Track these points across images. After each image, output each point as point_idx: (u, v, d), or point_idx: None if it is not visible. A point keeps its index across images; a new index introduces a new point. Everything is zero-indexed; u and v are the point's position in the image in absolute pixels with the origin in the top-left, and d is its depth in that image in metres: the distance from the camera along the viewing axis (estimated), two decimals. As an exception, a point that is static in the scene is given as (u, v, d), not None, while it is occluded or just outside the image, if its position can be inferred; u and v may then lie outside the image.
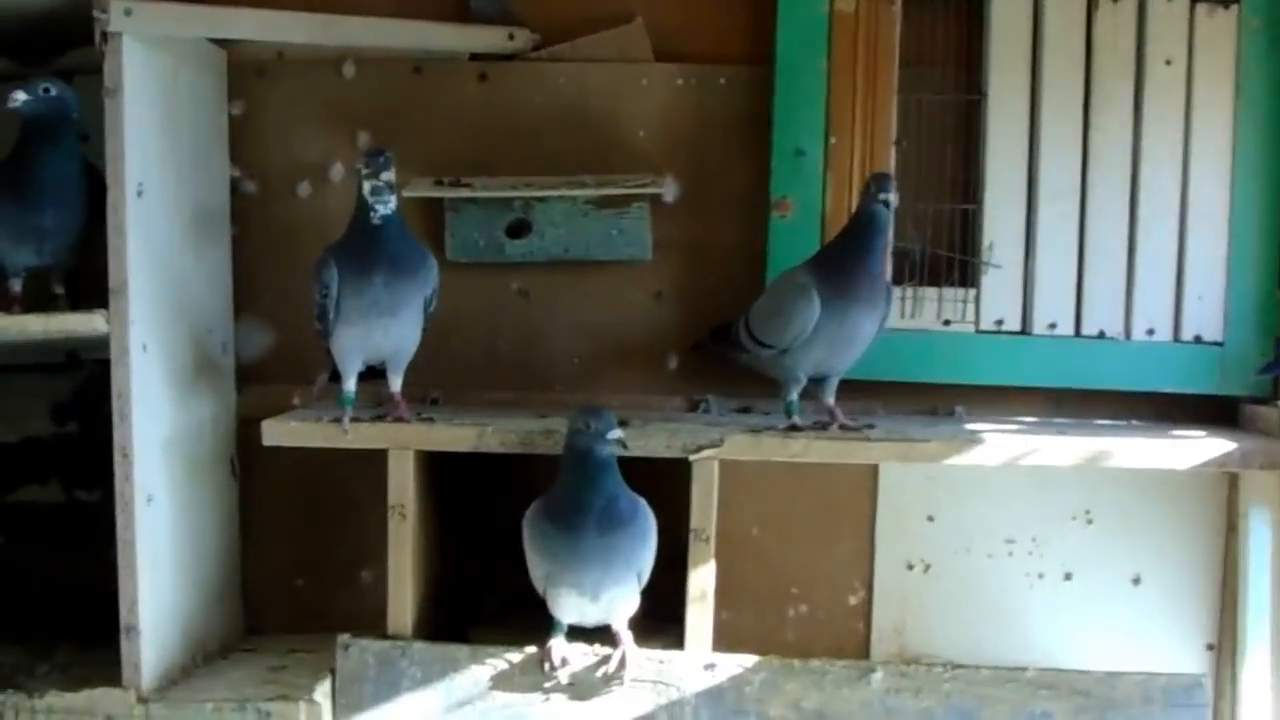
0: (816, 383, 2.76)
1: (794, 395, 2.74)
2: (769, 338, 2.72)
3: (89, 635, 2.92)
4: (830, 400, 2.76)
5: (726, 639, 2.78)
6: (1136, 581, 3.06)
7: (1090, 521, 3.05)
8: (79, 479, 3.18)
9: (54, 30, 2.80)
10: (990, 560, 3.07)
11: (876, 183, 2.65)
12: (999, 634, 3.06)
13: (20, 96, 2.65)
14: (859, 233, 2.67)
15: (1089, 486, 3.03)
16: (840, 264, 2.67)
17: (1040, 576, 3.06)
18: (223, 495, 3.06)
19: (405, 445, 2.70)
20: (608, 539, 2.55)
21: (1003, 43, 2.97)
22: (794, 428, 2.71)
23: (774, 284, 2.80)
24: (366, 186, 2.58)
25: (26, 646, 3.00)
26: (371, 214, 2.59)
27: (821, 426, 2.75)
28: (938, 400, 3.06)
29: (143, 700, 2.66)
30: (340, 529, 3.12)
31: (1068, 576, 3.06)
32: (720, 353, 2.90)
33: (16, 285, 2.78)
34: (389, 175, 2.57)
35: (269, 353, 3.12)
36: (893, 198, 2.62)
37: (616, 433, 2.50)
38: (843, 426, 2.74)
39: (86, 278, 2.80)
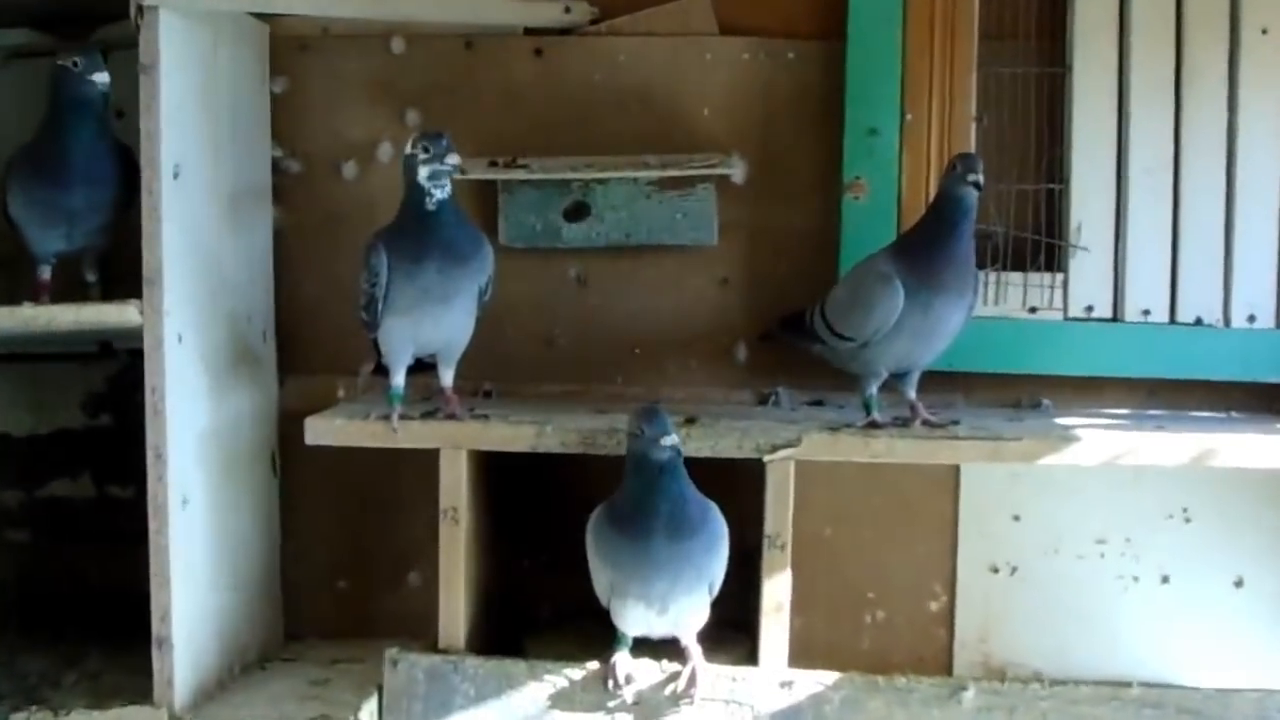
0: (897, 376, 2.60)
1: (873, 389, 2.57)
2: (848, 330, 2.55)
3: (121, 639, 2.79)
4: (912, 394, 2.60)
5: (799, 648, 2.62)
6: (1239, 584, 2.89)
7: (1188, 520, 2.88)
8: (112, 474, 3.03)
9: (88, 3, 2.65)
10: (1080, 562, 2.90)
11: (963, 163, 2.48)
12: (1090, 641, 2.89)
13: (104, 77, 2.52)
14: (944, 217, 2.50)
15: (1186, 483, 2.86)
16: (925, 251, 2.50)
17: (1135, 579, 2.90)
18: (262, 493, 2.90)
19: (458, 445, 2.54)
20: (676, 547, 2.38)
21: (1088, 12, 2.81)
22: (874, 424, 2.55)
23: (853, 272, 2.63)
24: (424, 170, 2.42)
25: (55, 652, 2.86)
26: (427, 199, 2.43)
27: (902, 423, 2.58)
28: (1023, 392, 2.91)
29: (175, 719, 2.51)
30: (386, 528, 2.98)
31: (1165, 579, 2.90)
32: (791, 343, 2.74)
33: (46, 273, 2.64)
34: (453, 158, 2.41)
35: (312, 341, 2.98)
36: (981, 179, 2.45)
37: (672, 438, 2.33)
38: (925, 423, 2.58)
39: (121, 264, 2.62)
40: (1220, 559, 2.89)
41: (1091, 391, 2.89)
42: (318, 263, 2.95)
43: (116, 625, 2.83)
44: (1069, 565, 2.90)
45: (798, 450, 2.49)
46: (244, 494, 2.82)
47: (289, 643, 2.99)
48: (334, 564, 3.04)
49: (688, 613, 2.45)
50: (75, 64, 2.52)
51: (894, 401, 2.64)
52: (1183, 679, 2.78)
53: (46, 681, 2.72)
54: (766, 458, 2.49)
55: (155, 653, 2.51)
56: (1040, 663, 2.87)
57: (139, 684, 2.56)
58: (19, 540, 3.12)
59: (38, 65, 2.81)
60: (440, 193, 2.43)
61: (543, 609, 2.93)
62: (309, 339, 2.99)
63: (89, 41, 2.81)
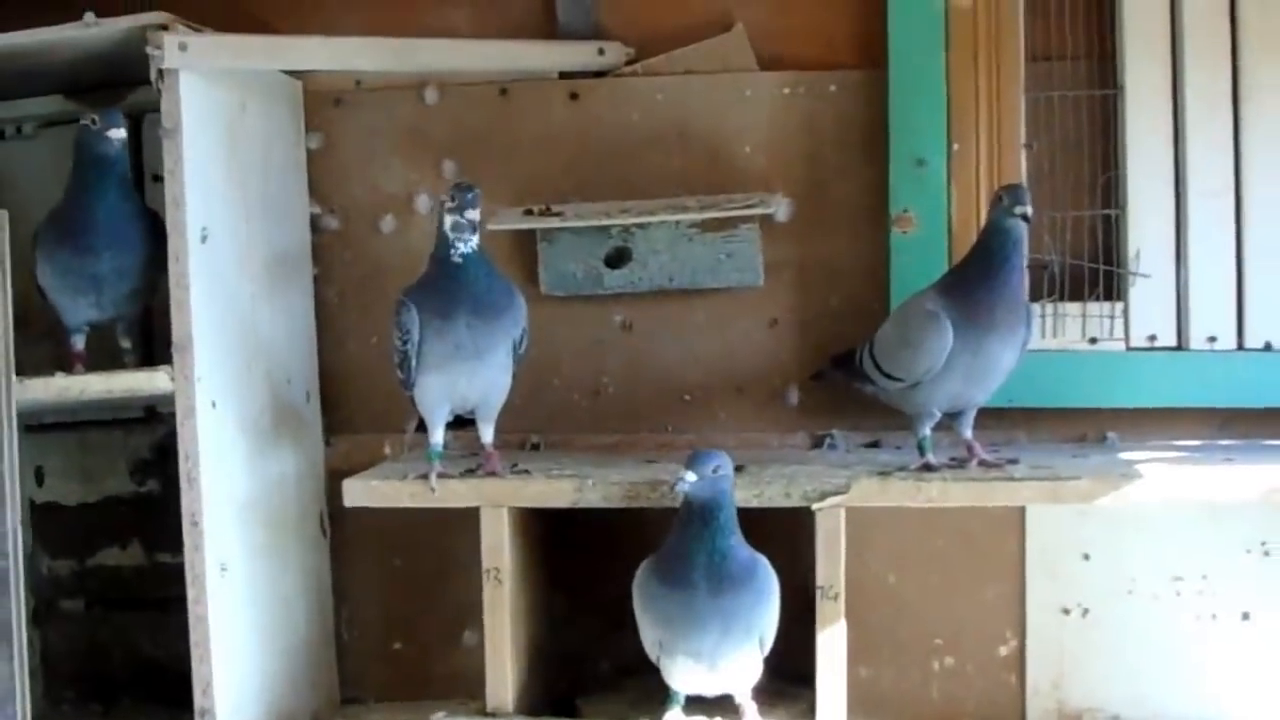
0: (952, 415, 2.51)
1: (926, 430, 2.49)
2: (897, 370, 2.48)
3: (172, 703, 2.75)
4: (968, 433, 2.51)
5: (866, 700, 2.58)
6: (1322, 619, 2.77)
7: (1267, 554, 2.75)
8: (160, 541, 3.01)
9: (116, 68, 2.64)
10: (1156, 601, 2.79)
11: (1010, 195, 2.40)
12: (1169, 684, 2.78)
13: (120, 134, 2.52)
14: (992, 251, 2.42)
15: (1265, 515, 2.73)
16: (973, 287, 2.43)
17: (1213, 617, 2.77)
18: (311, 555, 2.89)
19: (498, 503, 2.50)
20: (723, 600, 2.31)
21: (1138, 30, 2.73)
22: (927, 467, 2.46)
23: (899, 310, 2.56)
24: (448, 221, 2.40)
25: (108, 717, 2.92)
26: (452, 252, 2.40)
27: (959, 463, 2.50)
28: (1087, 426, 2.81)
29: (223, 785, 2.49)
30: (440, 587, 2.94)
31: (1245, 616, 2.77)
32: (844, 382, 2.67)
33: (80, 342, 2.64)
34: (473, 213, 2.39)
35: (357, 400, 2.97)
36: (1029, 210, 2.37)
37: (688, 475, 2.26)
38: (982, 463, 2.49)
39: (164, 331, 2.59)
40: (1304, 594, 2.77)
41: (1160, 423, 2.79)
42: (360, 319, 2.94)
43: (167, 689, 2.81)
44: (1144, 605, 2.79)
45: (847, 497, 2.41)
46: (290, 557, 2.81)
47: (345, 706, 2.98)
48: (389, 625, 3.02)
49: (738, 669, 2.38)
50: (94, 122, 2.53)
51: (953, 441, 2.55)
52: (1267, 720, 2.66)
53: (101, 748, 2.75)
54: (815, 506, 2.41)
55: (198, 723, 2.50)
56: (1117, 707, 2.77)
57: (193, 753, 2.56)
58: (72, 609, 3.11)
59: (71, 133, 2.82)
60: (465, 245, 2.40)
61: (600, 667, 2.87)
62: (354, 397, 2.98)
63: (119, 105, 2.80)
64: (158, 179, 2.63)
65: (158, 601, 2.94)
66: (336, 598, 2.98)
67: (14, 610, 2.45)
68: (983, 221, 2.58)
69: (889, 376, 2.50)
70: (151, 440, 3.05)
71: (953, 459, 2.53)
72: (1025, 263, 2.50)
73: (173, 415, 2.85)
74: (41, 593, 3.10)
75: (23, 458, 2.85)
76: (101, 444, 3.09)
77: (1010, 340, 2.43)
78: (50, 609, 3.11)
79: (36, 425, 2.96)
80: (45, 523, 3.09)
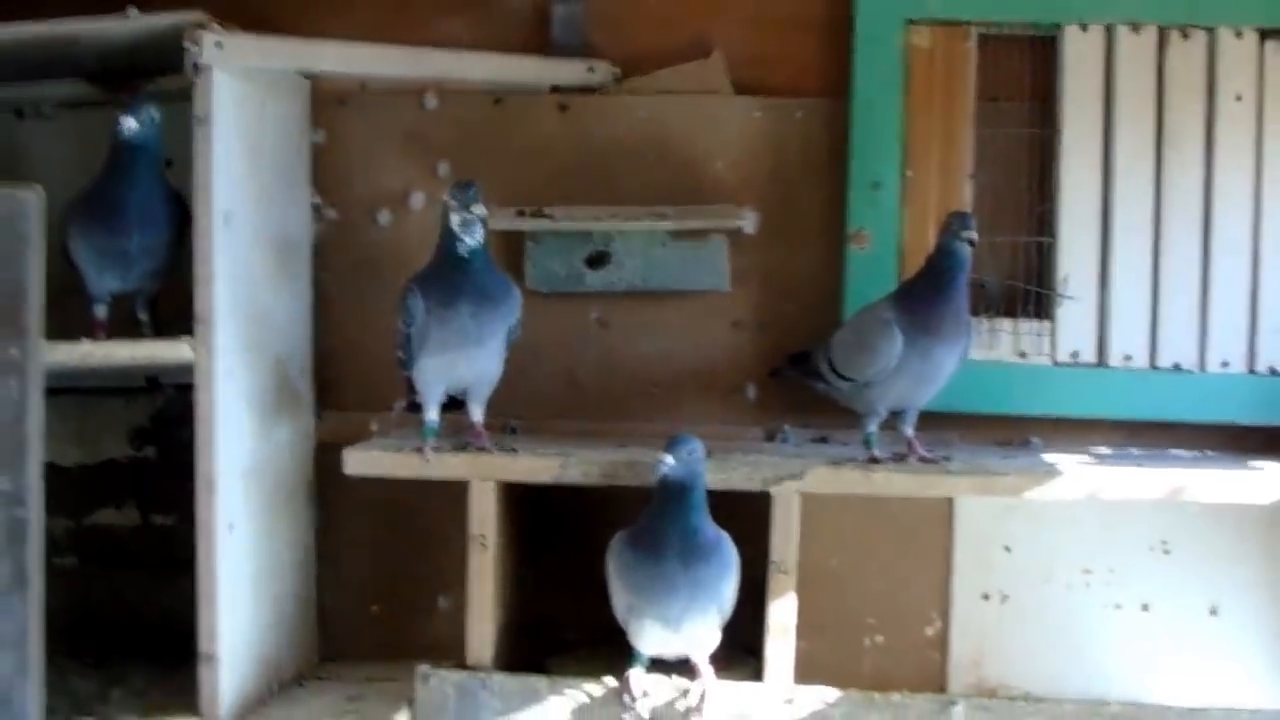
0: (896, 414, 2.77)
1: (873, 427, 2.75)
2: (850, 371, 2.74)
3: (163, 661, 2.95)
4: (910, 432, 2.77)
5: (803, 669, 2.78)
6: (1214, 612, 3.02)
7: (1167, 552, 3.02)
8: (156, 503, 3.18)
9: (140, 59, 2.83)
10: (1068, 591, 3.04)
11: (959, 220, 2.67)
12: (1077, 665, 3.03)
13: (132, 124, 2.69)
14: (941, 269, 2.69)
15: (1166, 517, 2.99)
16: (923, 300, 2.69)
17: (1118, 607, 3.03)
18: (300, 521, 3.07)
19: (487, 476, 2.71)
20: (691, 571, 2.55)
21: (1076, 78, 2.99)
22: (874, 460, 2.72)
23: (856, 318, 2.81)
24: (455, 219, 2.60)
25: (102, 672, 3.03)
26: (459, 245, 2.61)
27: (900, 458, 2.75)
28: (1014, 431, 3.07)
29: (219, 732, 2.68)
30: (417, 555, 3.13)
31: (1145, 607, 3.03)
32: (799, 380, 2.91)
33: (102, 312, 2.81)
34: (479, 209, 2.60)
35: (346, 379, 3.15)
36: (974, 235, 2.64)
37: (667, 459, 2.49)
38: (921, 459, 2.75)
39: (170, 304, 2.82)
40: (1197, 588, 3.02)
41: (1078, 432, 3.05)
42: (353, 305, 3.12)
43: (159, 646, 2.99)
44: (1057, 593, 3.04)
45: (802, 483, 2.66)
46: (284, 522, 3.00)
47: (324, 663, 3.15)
48: (367, 589, 3.19)
49: (700, 633, 2.62)
50: (122, 114, 2.71)
51: (894, 439, 2.79)
52: (1162, 702, 2.89)
53: (94, 698, 2.89)
54: (773, 489, 2.66)
55: (202, 668, 2.70)
56: (1030, 685, 3.00)
57: (182, 701, 2.73)
58: (67, 566, 3.25)
59: (90, 115, 3.03)
60: (471, 240, 2.61)
61: (566, 633, 3.05)
62: (344, 377, 3.16)
63: (141, 94, 2.94)
64: (170, 163, 2.81)
65: (151, 561, 3.11)
66: (320, 561, 3.15)
67: (31, 558, 2.62)
68: (932, 242, 2.81)
69: (843, 377, 2.75)
70: (151, 409, 3.21)
71: (895, 454, 2.77)
72: (968, 280, 2.74)
73: (175, 386, 3.07)
74: (37, 549, 3.24)
75: (29, 419, 3.04)
76: (102, 410, 3.23)
77: (953, 349, 2.69)
78: (46, 565, 3.21)
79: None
80: (44, 482, 3.20)
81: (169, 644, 2.90)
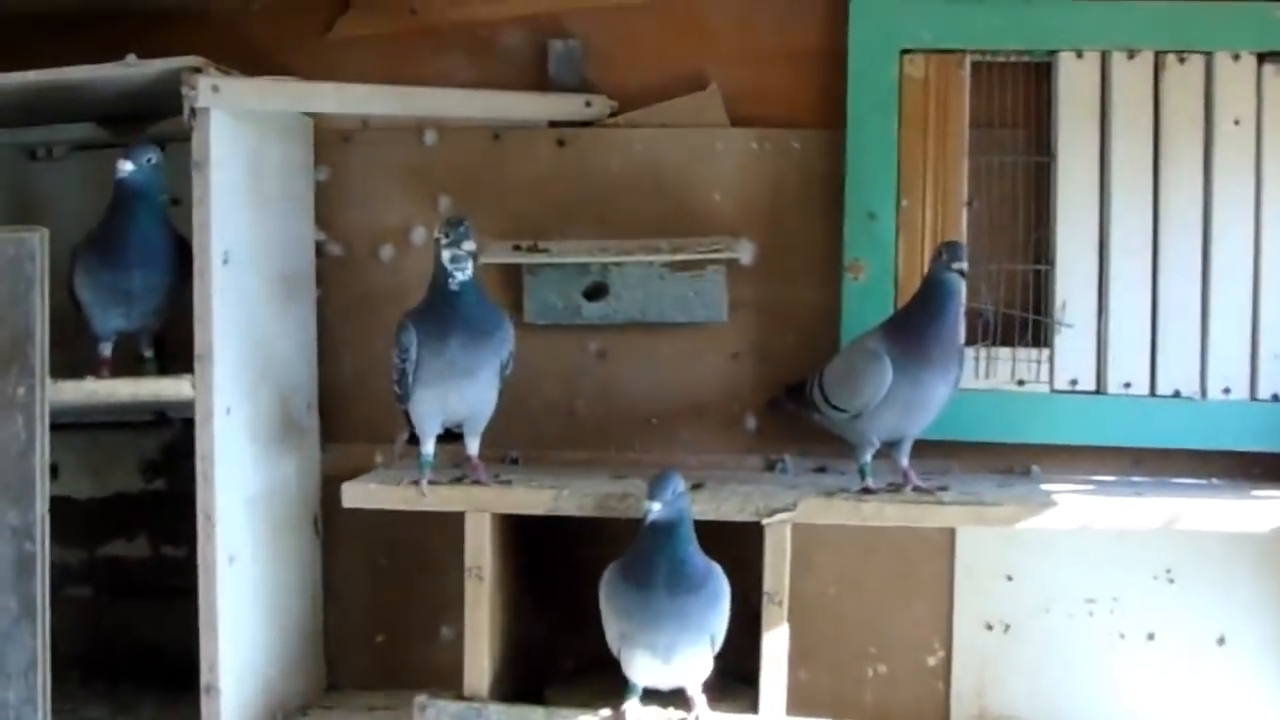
0: (891, 445, 2.77)
1: (867, 458, 2.75)
2: (841, 402, 2.74)
3: (173, 690, 3.00)
4: (905, 462, 2.77)
5: (804, 699, 2.79)
6: (1221, 642, 3.00)
7: (1172, 581, 3.01)
8: (166, 534, 3.24)
9: (146, 102, 2.89)
10: (1070, 620, 3.04)
11: (949, 251, 2.67)
12: (1081, 695, 3.03)
13: (128, 167, 2.76)
14: (931, 300, 2.69)
15: (1170, 545, 2.99)
16: (913, 330, 2.69)
17: (1122, 637, 3.03)
18: (305, 552, 3.12)
19: (482, 508, 2.73)
20: (679, 601, 2.56)
21: (1071, 104, 2.98)
22: (866, 490, 2.72)
23: (847, 349, 2.82)
24: (446, 255, 2.64)
25: (112, 700, 3.12)
26: (449, 280, 2.65)
27: (895, 488, 2.76)
28: (1013, 460, 3.05)
29: (222, 760, 2.72)
30: (420, 586, 3.17)
31: (1150, 637, 3.02)
32: (795, 411, 2.92)
33: (107, 349, 2.87)
34: (469, 244, 2.63)
35: (351, 412, 3.19)
36: (965, 266, 2.65)
37: (653, 505, 2.49)
38: (916, 489, 2.75)
39: (174, 341, 2.87)
40: (1203, 618, 3.01)
41: (1079, 459, 3.03)
42: (357, 339, 3.16)
43: (168, 675, 3.04)
44: (1060, 623, 3.04)
45: (794, 514, 2.66)
46: (289, 553, 3.04)
47: (330, 692, 3.20)
48: (372, 619, 3.23)
49: (691, 664, 2.62)
50: (149, 159, 2.79)
51: (892, 469, 2.78)
52: (1168, 733, 2.91)
53: (104, 727, 2.97)
54: (765, 520, 2.66)
55: (204, 699, 2.73)
56: (1033, 716, 3.01)
57: (196, 729, 2.79)
58: (80, 596, 3.33)
59: (100, 157, 3.08)
60: (461, 274, 2.64)
61: (565, 663, 3.07)
62: (349, 409, 3.20)
63: (143, 136, 3.05)
64: (176, 202, 2.87)
65: (161, 591, 3.17)
66: (326, 591, 3.20)
67: (39, 590, 2.69)
68: (925, 272, 2.86)
69: (835, 408, 2.76)
70: (160, 442, 3.27)
71: (890, 484, 2.77)
72: (961, 310, 2.76)
73: (181, 420, 3.13)
74: (52, 580, 3.27)
75: (42, 454, 3.11)
76: (113, 444, 3.31)
77: (944, 378, 2.69)
78: (57, 596, 3.23)
79: (54, 425, 3.12)
80: (58, 515, 3.20)
81: (178, 673, 2.92)
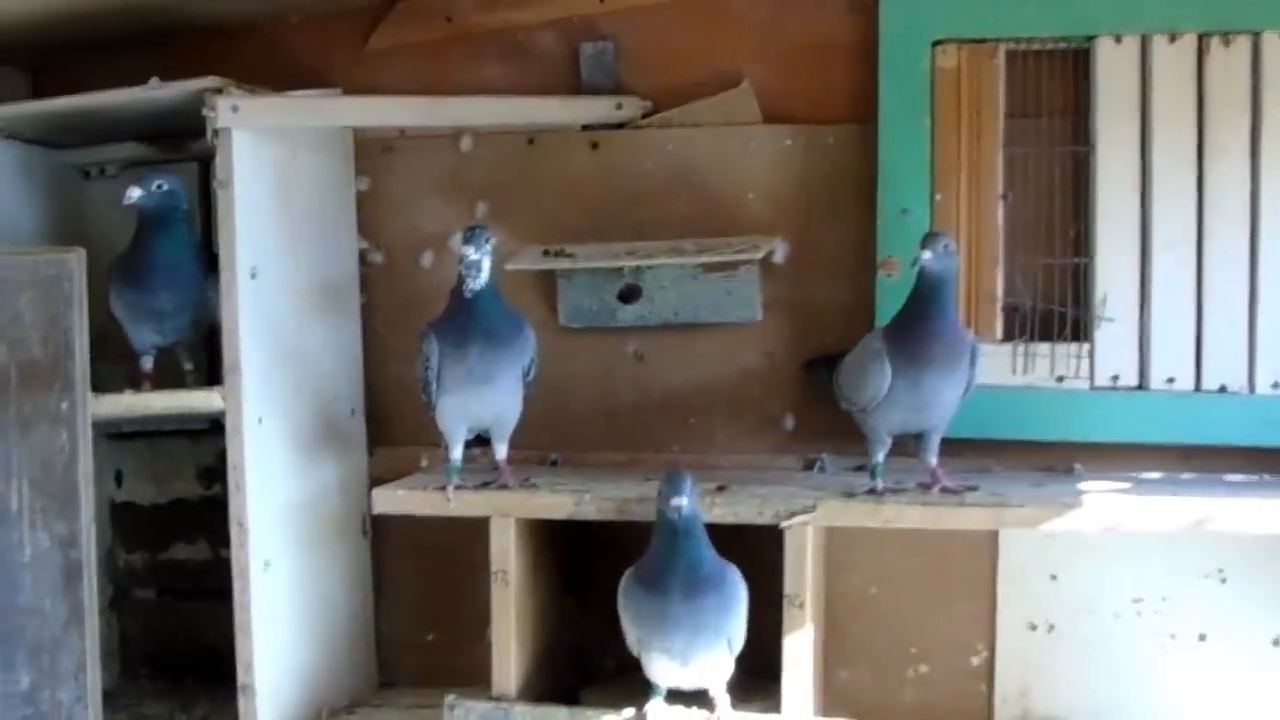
0: (916, 439, 2.73)
1: (879, 457, 2.72)
2: (850, 396, 2.73)
3: (229, 687, 3.03)
4: (932, 460, 2.73)
5: (845, 699, 2.80)
6: (1277, 643, 2.90)
7: (1224, 581, 2.91)
8: (224, 538, 3.28)
9: (183, 120, 2.94)
10: (1117, 620, 2.96)
11: (923, 241, 2.62)
12: (1128, 698, 2.95)
13: (135, 193, 2.86)
14: (920, 296, 2.64)
15: (1222, 544, 2.88)
16: (910, 328, 2.65)
17: (1171, 638, 2.94)
18: (353, 554, 3.20)
19: (506, 513, 2.77)
20: (693, 604, 2.57)
21: (1110, 92, 2.89)
22: (873, 491, 2.69)
23: (858, 345, 2.78)
24: (461, 263, 2.67)
25: (173, 698, 3.26)
26: (464, 288, 2.68)
27: (924, 488, 2.72)
28: (1055, 458, 2.98)
29: (258, 757, 2.81)
30: (468, 587, 3.14)
31: (1201, 638, 2.93)
32: (825, 379, 2.88)
33: (148, 363, 2.98)
34: (474, 254, 2.65)
35: (397, 416, 3.25)
36: (926, 255, 2.58)
37: (680, 499, 2.51)
38: (944, 489, 2.71)
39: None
40: (1257, 618, 2.90)
41: (1123, 457, 2.94)
42: (402, 344, 3.15)
43: (226, 674, 3.06)
44: (1106, 624, 2.96)
45: (813, 516, 2.65)
46: (335, 556, 3.12)
47: (382, 690, 3.28)
48: (422, 620, 3.30)
49: (708, 666, 2.62)
50: (159, 185, 2.88)
51: (922, 468, 2.75)
52: (1220, 736, 2.82)
53: (158, 722, 3.10)
54: (783, 524, 2.65)
55: (240, 698, 2.84)
56: (1078, 718, 2.94)
57: (235, 728, 2.88)
58: (145, 598, 3.47)
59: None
60: (475, 283, 2.67)
61: (606, 664, 3.09)
62: (394, 415, 3.25)
63: (188, 151, 3.17)
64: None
65: (220, 593, 3.20)
66: (376, 593, 3.27)
67: (86, 595, 2.80)
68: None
69: (846, 399, 2.76)
70: (216, 449, 3.31)
71: (920, 484, 2.74)
72: (953, 301, 2.68)
73: (234, 428, 3.22)
74: (119, 583, 3.47)
75: (104, 462, 3.28)
76: (172, 451, 3.43)
77: (949, 377, 2.64)
78: (126, 597, 3.47)
79: (116, 434, 3.32)
80: (123, 520, 3.45)
81: (234, 669, 3.02)
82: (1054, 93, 2.94)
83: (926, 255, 2.58)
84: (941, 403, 2.66)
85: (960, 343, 2.66)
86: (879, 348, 2.65)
